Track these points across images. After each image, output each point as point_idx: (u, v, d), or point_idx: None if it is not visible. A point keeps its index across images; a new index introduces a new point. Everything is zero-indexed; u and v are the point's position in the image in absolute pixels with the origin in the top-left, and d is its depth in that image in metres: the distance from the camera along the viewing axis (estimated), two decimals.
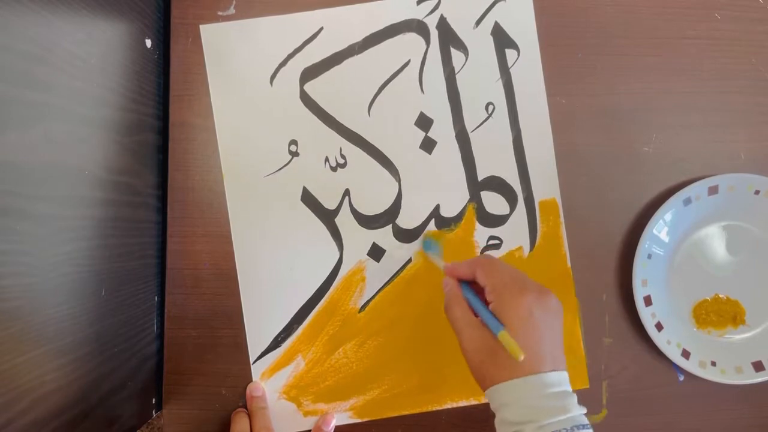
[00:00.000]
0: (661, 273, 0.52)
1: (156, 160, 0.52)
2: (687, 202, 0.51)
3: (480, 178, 0.53)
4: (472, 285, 0.43)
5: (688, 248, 0.53)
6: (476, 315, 0.40)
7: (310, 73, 0.52)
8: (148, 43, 0.50)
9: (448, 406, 0.52)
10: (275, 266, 0.52)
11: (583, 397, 0.52)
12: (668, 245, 0.52)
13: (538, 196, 0.53)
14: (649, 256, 0.51)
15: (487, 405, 0.52)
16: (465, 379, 0.52)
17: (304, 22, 0.52)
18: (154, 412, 0.52)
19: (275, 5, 0.52)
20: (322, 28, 0.52)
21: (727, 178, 0.50)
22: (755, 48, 0.54)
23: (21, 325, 0.33)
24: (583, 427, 0.36)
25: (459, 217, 0.53)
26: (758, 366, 0.51)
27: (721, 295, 0.53)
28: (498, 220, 0.53)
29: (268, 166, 0.52)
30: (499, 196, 0.53)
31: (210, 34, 0.52)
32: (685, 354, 0.51)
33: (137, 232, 0.49)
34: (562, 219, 0.53)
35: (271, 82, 0.52)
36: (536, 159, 0.53)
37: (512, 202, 0.53)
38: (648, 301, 0.51)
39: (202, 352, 0.52)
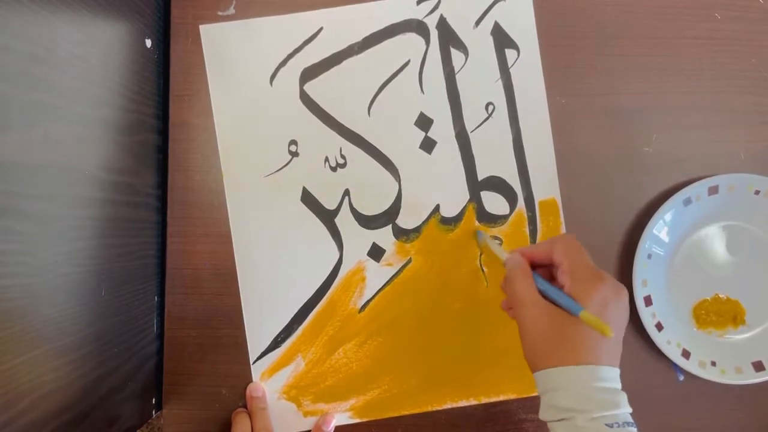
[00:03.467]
0: (661, 273, 0.52)
1: (156, 160, 0.52)
2: (687, 202, 0.51)
3: (480, 177, 0.53)
4: (539, 271, 0.42)
5: (688, 248, 0.53)
6: (544, 297, 0.40)
7: (310, 73, 0.52)
8: (148, 43, 0.50)
9: (448, 406, 0.52)
10: (275, 266, 0.52)
11: None
12: (668, 245, 0.52)
13: (538, 196, 0.53)
14: (649, 256, 0.51)
15: (485, 405, 0.52)
16: (465, 380, 0.52)
17: (303, 22, 0.52)
18: (154, 412, 0.52)
19: (275, 5, 0.52)
20: (321, 28, 0.52)
21: (728, 178, 0.50)
22: (755, 48, 0.54)
23: (21, 325, 0.33)
24: (632, 425, 0.36)
25: (459, 217, 0.53)
26: (758, 366, 0.51)
27: (721, 295, 0.53)
28: (498, 220, 0.53)
29: (268, 166, 0.52)
30: (499, 195, 0.53)
31: (210, 34, 0.52)
32: (685, 354, 0.51)
33: (137, 232, 0.49)
34: (562, 219, 0.53)
35: (271, 82, 0.52)
36: (536, 159, 0.53)
37: (512, 201, 0.53)
38: (648, 301, 0.51)
39: (202, 352, 0.52)
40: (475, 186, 0.53)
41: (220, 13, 0.52)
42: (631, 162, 0.53)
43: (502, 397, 0.52)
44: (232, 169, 0.52)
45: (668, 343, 0.51)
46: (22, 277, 0.33)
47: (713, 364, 0.51)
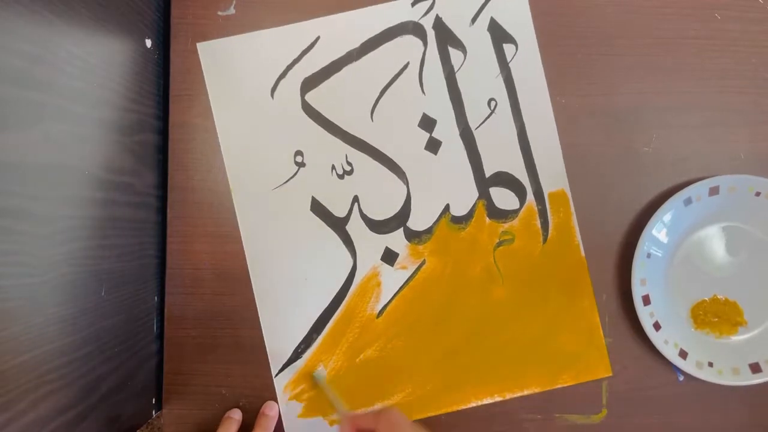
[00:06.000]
0: (660, 272, 0.52)
1: (156, 160, 0.52)
2: (687, 202, 0.51)
3: (487, 174, 0.53)
4: None
5: (687, 249, 0.53)
6: None
7: (311, 83, 0.52)
8: (148, 43, 0.50)
9: (473, 404, 0.52)
10: (290, 278, 0.52)
11: (583, 397, 0.53)
12: (668, 245, 0.52)
13: (546, 189, 0.53)
14: (649, 256, 0.51)
15: (486, 405, 0.52)
16: (487, 377, 0.52)
17: (300, 32, 0.52)
18: (154, 412, 0.52)
19: (275, 5, 0.52)
20: (318, 37, 0.52)
21: (728, 179, 0.50)
22: (755, 48, 0.54)
23: (21, 325, 0.33)
24: None
25: (470, 215, 0.53)
26: (755, 368, 0.51)
27: (719, 296, 0.53)
28: (509, 216, 0.53)
29: (276, 179, 0.52)
30: (508, 191, 0.53)
31: (208, 51, 0.52)
32: (683, 354, 0.51)
33: (137, 232, 0.49)
34: (572, 209, 0.53)
35: (272, 95, 0.52)
36: (542, 151, 0.53)
37: (521, 196, 0.53)
38: (646, 300, 0.51)
39: (202, 352, 0.52)
40: (484, 183, 0.53)
41: (220, 13, 0.52)
42: (631, 162, 0.53)
43: (526, 392, 0.52)
44: (240, 184, 0.52)
45: (666, 342, 0.51)
46: (22, 277, 0.33)
47: (710, 364, 0.51)
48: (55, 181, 0.36)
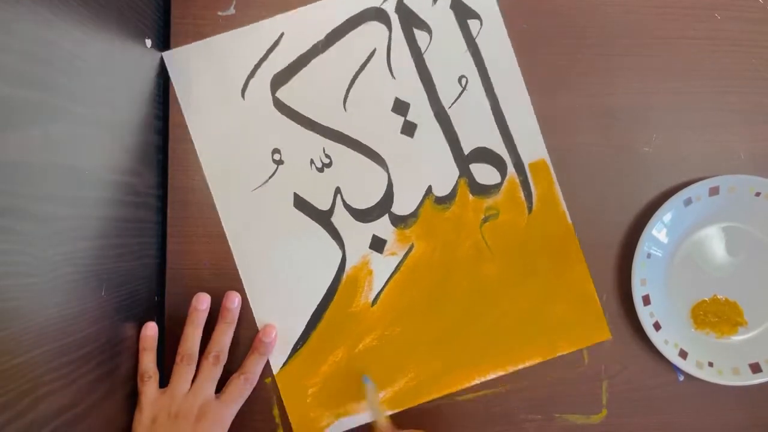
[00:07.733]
0: (660, 272, 0.52)
1: (156, 160, 0.52)
2: (687, 202, 0.51)
3: (466, 152, 0.53)
4: None
5: (687, 248, 0.53)
6: None
7: (280, 80, 0.52)
8: (148, 43, 0.50)
9: (477, 381, 0.52)
10: (281, 277, 0.52)
11: (583, 397, 0.53)
12: (668, 245, 0.52)
13: (526, 160, 0.53)
14: (649, 255, 0.51)
15: (486, 405, 0.53)
16: (487, 353, 0.53)
17: (263, 30, 0.52)
18: None
19: (275, 4, 0.52)
20: (283, 34, 0.52)
21: (729, 179, 0.50)
22: (755, 48, 0.54)
23: (21, 325, 0.33)
24: None
25: (453, 195, 0.53)
26: (755, 368, 0.51)
27: (719, 297, 0.53)
28: (491, 191, 0.53)
29: (255, 180, 0.52)
30: (489, 166, 0.53)
31: (174, 59, 0.52)
32: (683, 354, 0.51)
33: (137, 232, 0.49)
34: (554, 178, 0.53)
35: (243, 96, 0.52)
36: (518, 123, 0.53)
37: (502, 170, 0.53)
38: (646, 300, 0.51)
39: (202, 352, 0.52)
40: (463, 160, 0.53)
41: (220, 13, 0.52)
42: (631, 162, 0.53)
43: (528, 363, 0.52)
44: (221, 189, 0.52)
45: (666, 342, 0.51)
46: (22, 277, 0.33)
47: (710, 364, 0.51)
48: (55, 181, 0.36)
